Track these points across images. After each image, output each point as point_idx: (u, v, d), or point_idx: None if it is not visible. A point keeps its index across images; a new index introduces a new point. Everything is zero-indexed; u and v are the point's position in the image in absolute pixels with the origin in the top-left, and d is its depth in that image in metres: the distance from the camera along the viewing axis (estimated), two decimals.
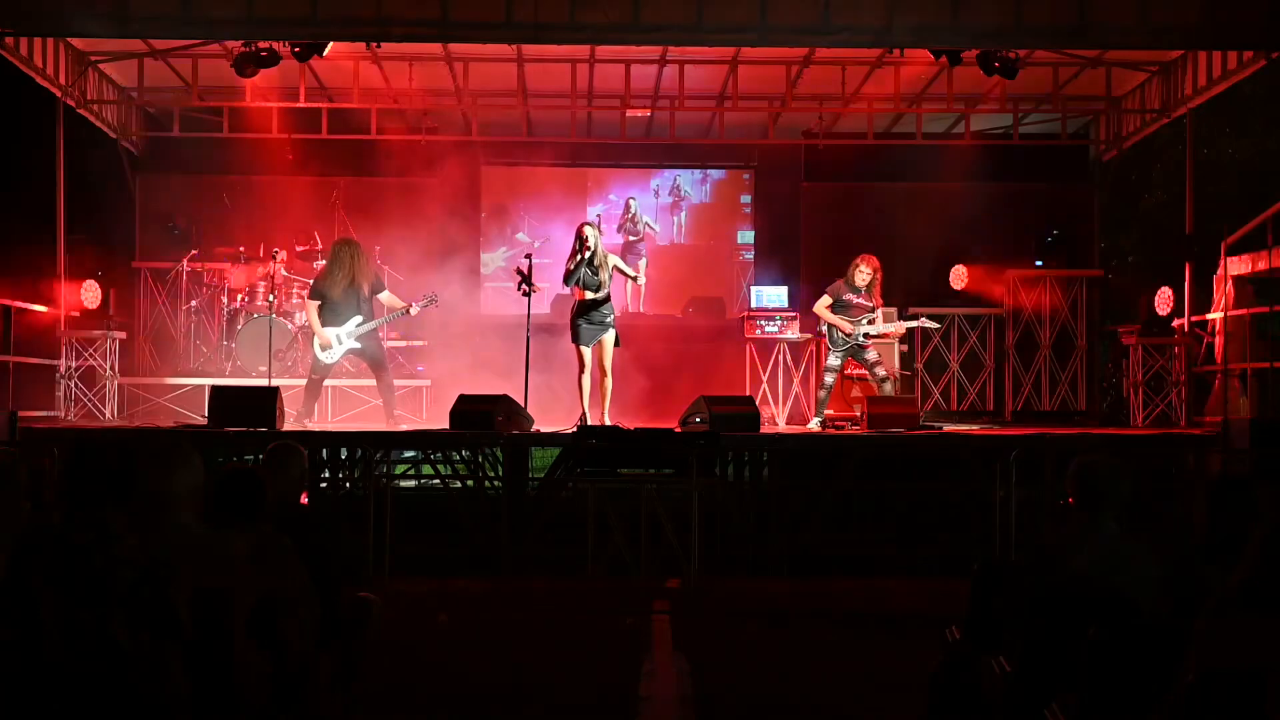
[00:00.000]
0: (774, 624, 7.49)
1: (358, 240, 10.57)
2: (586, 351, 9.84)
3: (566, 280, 9.91)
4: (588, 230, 9.86)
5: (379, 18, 9.71)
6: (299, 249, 12.51)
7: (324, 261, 10.78)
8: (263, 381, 10.52)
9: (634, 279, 10.40)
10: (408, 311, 10.24)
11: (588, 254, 9.68)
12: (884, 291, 10.91)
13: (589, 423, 9.63)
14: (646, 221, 13.96)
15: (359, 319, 10.10)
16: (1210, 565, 3.50)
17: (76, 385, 11.40)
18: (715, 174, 14.38)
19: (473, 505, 9.58)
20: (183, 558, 3.33)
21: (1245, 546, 3.04)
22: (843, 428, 10.60)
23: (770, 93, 12.92)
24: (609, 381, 9.88)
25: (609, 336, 9.84)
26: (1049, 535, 5.60)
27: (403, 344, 12.46)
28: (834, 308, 10.66)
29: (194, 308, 12.56)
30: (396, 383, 10.67)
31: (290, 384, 11.02)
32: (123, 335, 12.01)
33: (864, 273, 10.56)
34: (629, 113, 13.01)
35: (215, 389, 10.26)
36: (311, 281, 10.65)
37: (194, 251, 12.65)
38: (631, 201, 13.97)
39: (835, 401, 11.08)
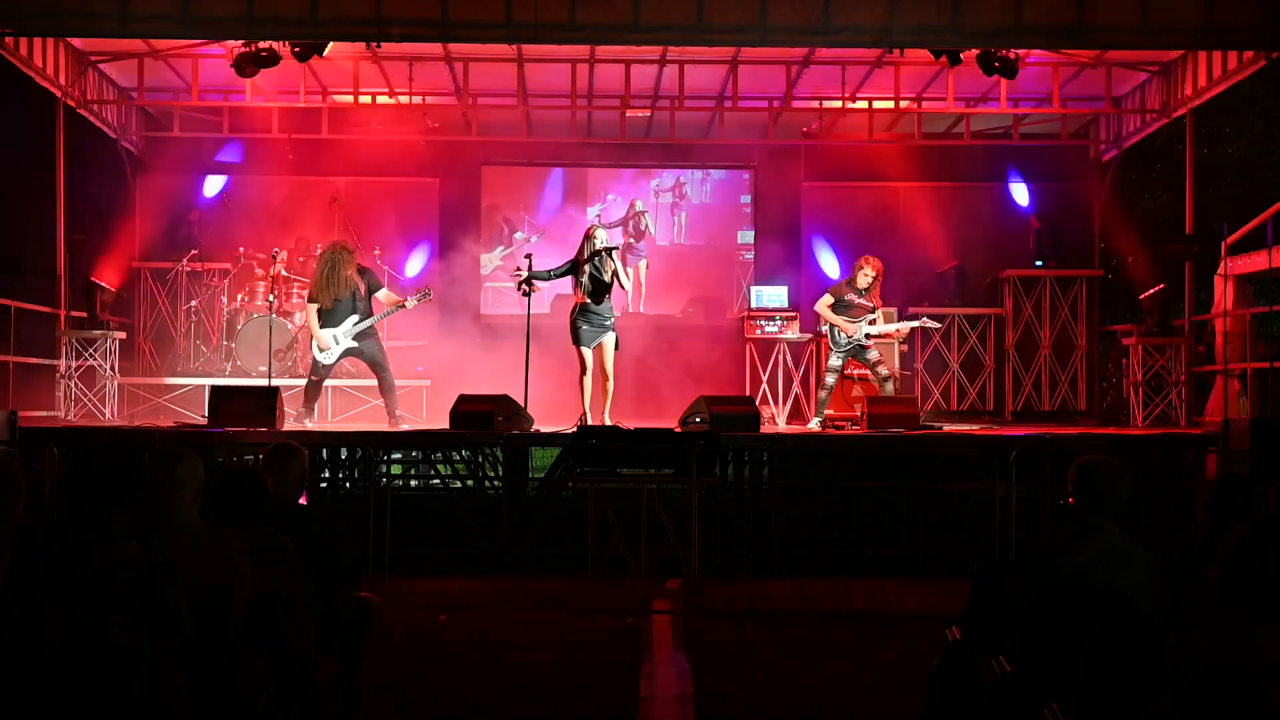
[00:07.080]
0: (774, 624, 7.48)
1: (347, 242, 10.56)
2: (587, 353, 9.83)
3: (528, 271, 9.97)
4: (599, 232, 9.86)
5: (379, 18, 9.71)
6: (298, 248, 12.51)
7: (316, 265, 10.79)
8: (263, 381, 10.52)
9: (623, 287, 10.13)
10: (403, 306, 10.23)
11: (595, 256, 9.67)
12: (884, 292, 10.92)
13: (589, 423, 9.63)
14: (648, 225, 13.96)
15: (356, 318, 10.09)
16: (1210, 565, 3.50)
17: (76, 385, 11.39)
18: (715, 174, 14.37)
19: (473, 505, 9.57)
20: (183, 558, 3.33)
21: (1222, 543, 3.03)
22: (843, 428, 10.60)
23: (770, 93, 12.92)
24: (610, 385, 9.87)
25: (609, 339, 9.83)
26: (1049, 535, 5.60)
27: (403, 344, 12.45)
28: (835, 308, 10.67)
29: (194, 308, 12.56)
30: (397, 383, 10.67)
31: (290, 384, 11.02)
32: (123, 335, 12.00)
33: (867, 274, 10.58)
34: (629, 113, 13.00)
35: (215, 389, 10.26)
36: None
37: (194, 251, 12.64)
38: (637, 201, 13.98)
39: (835, 401, 11.09)
